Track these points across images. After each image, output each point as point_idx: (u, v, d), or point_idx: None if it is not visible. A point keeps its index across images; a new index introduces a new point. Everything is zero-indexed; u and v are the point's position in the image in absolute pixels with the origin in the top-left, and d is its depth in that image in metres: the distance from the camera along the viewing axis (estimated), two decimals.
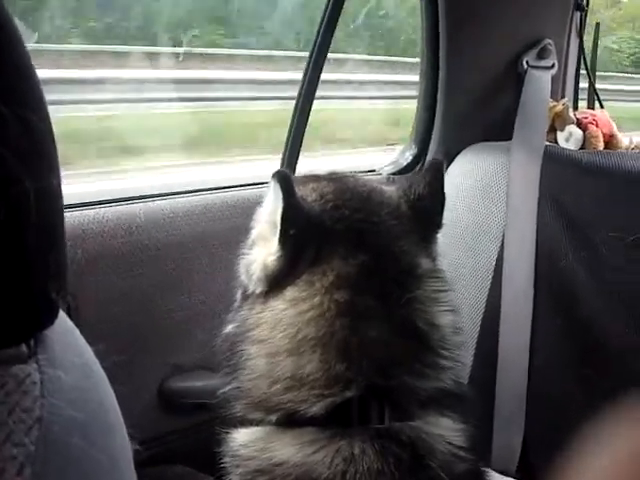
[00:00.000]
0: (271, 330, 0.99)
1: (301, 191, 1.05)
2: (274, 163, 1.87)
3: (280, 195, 0.96)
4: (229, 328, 1.09)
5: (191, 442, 1.60)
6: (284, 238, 0.98)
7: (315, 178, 1.11)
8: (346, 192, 1.06)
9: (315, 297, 0.97)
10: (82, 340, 0.56)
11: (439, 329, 1.02)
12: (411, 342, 0.99)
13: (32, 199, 0.43)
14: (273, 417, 0.99)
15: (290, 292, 1.00)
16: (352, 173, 1.20)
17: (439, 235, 1.12)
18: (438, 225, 1.11)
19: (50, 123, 0.47)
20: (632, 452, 0.31)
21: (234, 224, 1.66)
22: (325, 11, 1.75)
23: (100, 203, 1.52)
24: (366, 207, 1.05)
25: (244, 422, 1.03)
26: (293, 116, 1.79)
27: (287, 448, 0.95)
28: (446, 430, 1.00)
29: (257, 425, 1.01)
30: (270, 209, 1.00)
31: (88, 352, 0.55)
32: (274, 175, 0.98)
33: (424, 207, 1.08)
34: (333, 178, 1.11)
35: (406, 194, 1.09)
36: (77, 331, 0.56)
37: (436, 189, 1.09)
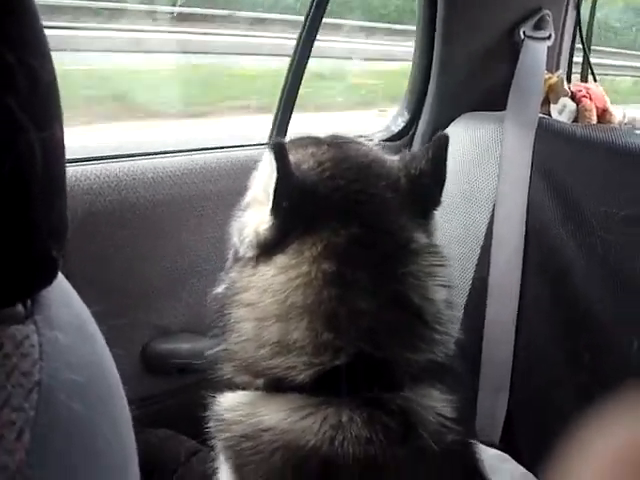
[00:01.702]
0: (260, 295, 0.99)
1: (299, 154, 1.05)
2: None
3: (274, 167, 0.95)
4: (220, 289, 1.09)
5: (175, 405, 1.60)
6: (276, 210, 0.98)
7: (316, 142, 1.10)
8: (345, 161, 1.05)
9: (303, 265, 0.97)
10: (79, 301, 0.54)
11: (433, 303, 1.01)
12: (404, 315, 0.99)
13: (37, 150, 0.41)
14: (260, 381, 1.00)
15: (280, 259, 0.99)
16: (356, 138, 1.18)
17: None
18: (436, 202, 1.09)
19: (54, 72, 0.46)
20: (632, 444, 0.31)
21: (223, 185, 1.64)
22: None
23: (88, 160, 1.49)
24: (363, 178, 1.03)
25: (231, 385, 1.03)
26: (286, 78, 1.77)
27: (275, 414, 0.95)
28: (436, 401, 1.00)
29: (244, 389, 1.02)
30: (265, 177, 1.00)
31: (85, 313, 0.54)
32: (270, 145, 0.97)
33: (424, 183, 1.06)
34: (335, 143, 1.10)
35: (407, 167, 1.07)
36: (73, 291, 0.55)
37: (438, 166, 1.07)
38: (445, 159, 1.07)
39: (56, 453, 0.40)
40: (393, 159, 1.12)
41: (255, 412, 0.97)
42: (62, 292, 0.52)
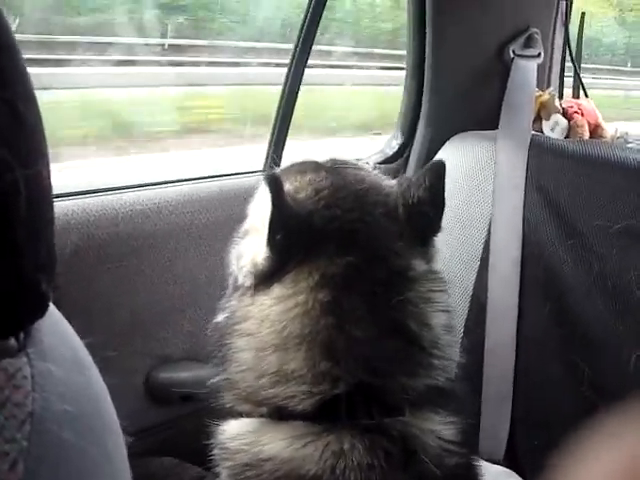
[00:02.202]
0: (259, 325, 1.00)
1: (297, 182, 1.05)
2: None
3: (269, 199, 0.95)
4: (220, 317, 1.09)
5: (179, 433, 1.60)
6: (272, 241, 0.98)
7: (315, 168, 1.10)
8: (343, 189, 1.05)
9: (300, 295, 0.98)
10: (72, 332, 0.55)
11: (432, 329, 1.01)
12: (401, 342, 0.99)
13: (22, 188, 0.42)
14: (262, 410, 1.00)
15: (277, 289, 1.00)
16: (355, 162, 1.18)
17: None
18: (436, 230, 1.09)
19: (38, 110, 0.46)
20: (634, 455, 0.31)
21: (220, 214, 1.65)
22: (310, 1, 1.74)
23: (84, 193, 1.51)
24: (360, 206, 1.04)
25: (233, 414, 1.03)
26: (279, 105, 1.78)
27: (276, 442, 0.95)
28: (436, 425, 1.00)
29: (246, 417, 1.01)
30: (261, 208, 1.00)
31: (79, 344, 0.54)
32: (264, 177, 0.98)
33: (422, 211, 1.06)
34: (333, 169, 1.10)
35: (404, 196, 1.06)
36: (67, 323, 0.56)
37: (436, 193, 1.06)
38: (443, 186, 1.07)
39: None
40: (391, 184, 1.12)
41: (257, 440, 0.97)
42: (55, 324, 0.52)
